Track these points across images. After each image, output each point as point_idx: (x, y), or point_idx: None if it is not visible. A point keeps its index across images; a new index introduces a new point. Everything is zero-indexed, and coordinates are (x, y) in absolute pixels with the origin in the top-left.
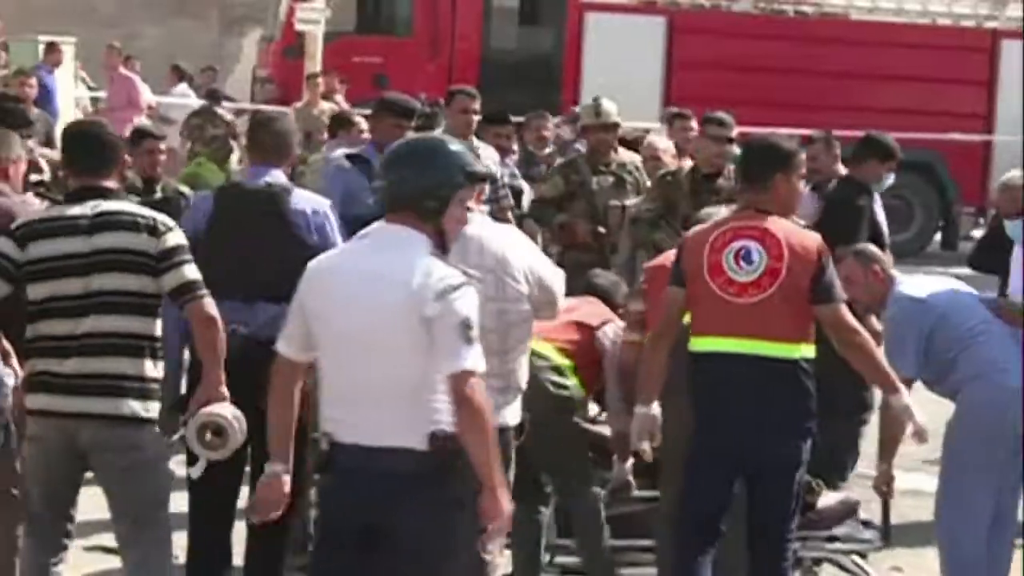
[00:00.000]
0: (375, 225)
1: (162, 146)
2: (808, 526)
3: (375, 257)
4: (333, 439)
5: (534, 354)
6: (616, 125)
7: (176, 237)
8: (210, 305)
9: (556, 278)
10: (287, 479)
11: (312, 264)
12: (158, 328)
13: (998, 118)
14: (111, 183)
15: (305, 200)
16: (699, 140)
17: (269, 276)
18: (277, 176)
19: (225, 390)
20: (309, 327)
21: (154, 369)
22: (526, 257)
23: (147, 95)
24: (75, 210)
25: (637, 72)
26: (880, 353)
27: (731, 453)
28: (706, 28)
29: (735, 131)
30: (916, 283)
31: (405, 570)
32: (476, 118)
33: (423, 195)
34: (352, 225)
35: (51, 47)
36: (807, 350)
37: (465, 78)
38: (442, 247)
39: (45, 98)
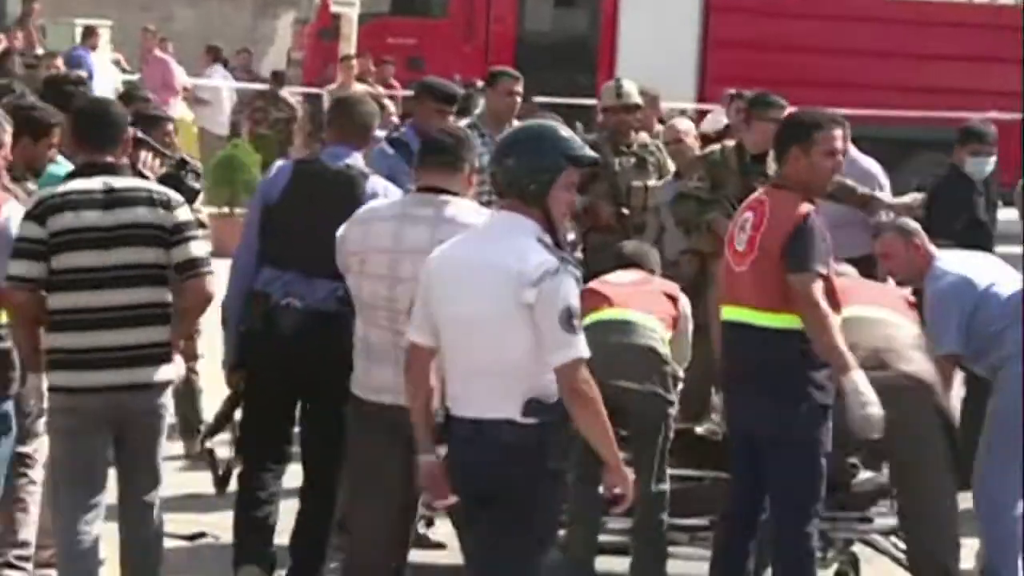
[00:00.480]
0: (492, 214)
1: (169, 127)
2: (840, 507)
3: (486, 244)
4: (449, 412)
5: (645, 327)
6: (637, 106)
7: (186, 213)
8: (211, 284)
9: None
10: (440, 463)
11: (434, 254)
12: (170, 296)
13: None
14: (116, 159)
15: (380, 187)
16: (746, 122)
17: (333, 254)
18: (356, 159)
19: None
20: (432, 314)
21: (168, 335)
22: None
23: (182, 77)
24: (86, 184)
25: (672, 52)
26: (837, 334)
27: (739, 426)
28: (742, 6)
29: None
30: (957, 259)
31: (510, 533)
32: (519, 100)
33: (526, 179)
34: None
35: (89, 30)
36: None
37: (501, 59)
38: (551, 231)
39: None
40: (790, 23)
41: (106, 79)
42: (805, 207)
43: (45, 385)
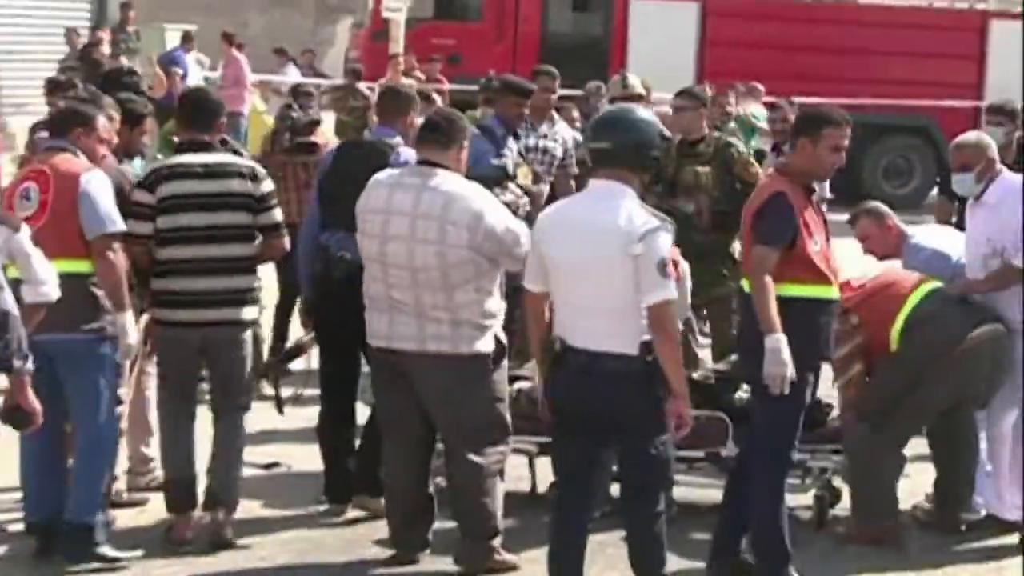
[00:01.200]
0: (591, 182)
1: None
2: (818, 440)
3: (593, 206)
4: (565, 343)
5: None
6: (640, 96)
7: (269, 184)
8: (286, 243)
9: (509, 233)
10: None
11: (543, 215)
12: (252, 251)
13: (987, 87)
14: (212, 138)
15: (408, 155)
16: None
17: None
18: (390, 135)
19: None
20: (544, 264)
21: (256, 281)
22: (475, 209)
23: (251, 75)
24: (188, 159)
25: (674, 51)
26: (770, 300)
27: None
28: (734, 12)
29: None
30: (929, 234)
31: (629, 444)
32: (555, 97)
33: (643, 152)
34: (475, 181)
35: (186, 36)
36: (789, 289)
37: (527, 57)
38: (642, 196)
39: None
40: (775, 26)
41: (197, 76)
42: (779, 186)
43: (131, 324)
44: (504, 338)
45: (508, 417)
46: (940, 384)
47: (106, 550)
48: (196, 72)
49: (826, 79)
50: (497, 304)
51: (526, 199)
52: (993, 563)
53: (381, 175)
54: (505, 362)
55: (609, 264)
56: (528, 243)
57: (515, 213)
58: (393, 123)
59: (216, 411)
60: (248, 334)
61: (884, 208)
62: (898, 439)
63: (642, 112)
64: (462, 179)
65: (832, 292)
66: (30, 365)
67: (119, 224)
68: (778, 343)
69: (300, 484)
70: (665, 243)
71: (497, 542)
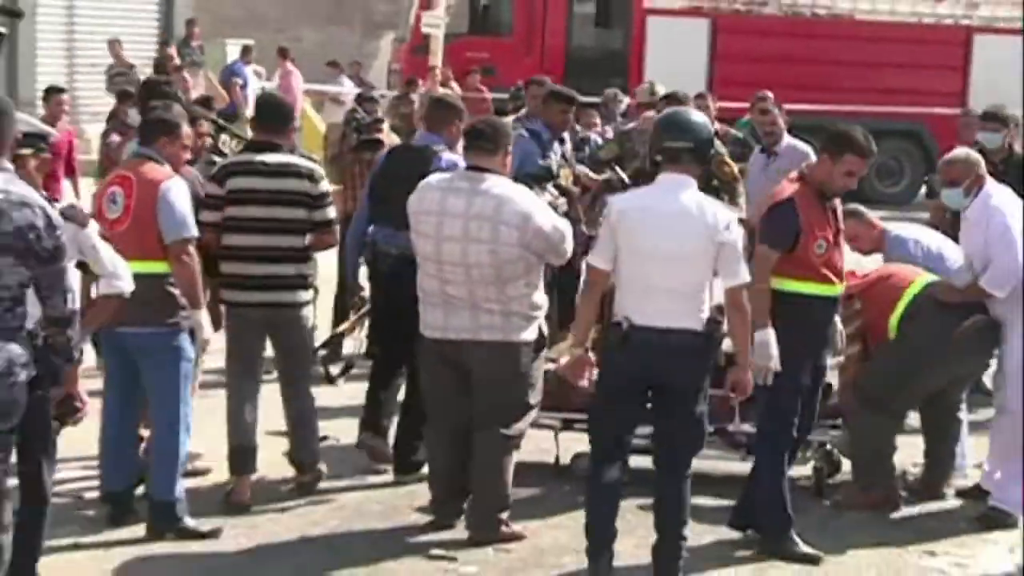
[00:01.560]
0: (661, 176)
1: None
2: (821, 416)
3: (670, 196)
4: (632, 322)
5: None
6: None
7: (325, 185)
8: (335, 237)
9: (556, 231)
10: (589, 356)
11: (619, 204)
12: (305, 243)
13: (971, 95)
14: (282, 141)
15: (449, 159)
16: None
17: None
18: (436, 142)
19: None
20: (617, 247)
21: (309, 269)
22: (524, 210)
23: (304, 84)
24: (257, 157)
25: (687, 63)
26: (764, 297)
27: None
28: (741, 28)
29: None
30: (905, 228)
31: (680, 411)
32: (570, 116)
33: (705, 150)
34: (522, 180)
35: (245, 49)
36: (789, 284)
37: (553, 68)
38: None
39: (242, 87)
40: (779, 40)
41: (255, 86)
42: (791, 192)
43: (206, 320)
44: (546, 329)
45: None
46: (934, 368)
47: (187, 522)
48: (254, 83)
49: (826, 89)
50: (542, 297)
51: (563, 199)
52: (984, 533)
53: (432, 179)
54: (544, 350)
55: (696, 251)
56: (571, 241)
57: (557, 211)
58: (439, 130)
59: (287, 384)
60: (306, 312)
61: (864, 209)
62: (894, 416)
63: (700, 116)
64: (509, 182)
65: (830, 291)
66: (81, 359)
67: (193, 230)
68: (767, 337)
69: (347, 456)
70: (739, 232)
71: (505, 515)
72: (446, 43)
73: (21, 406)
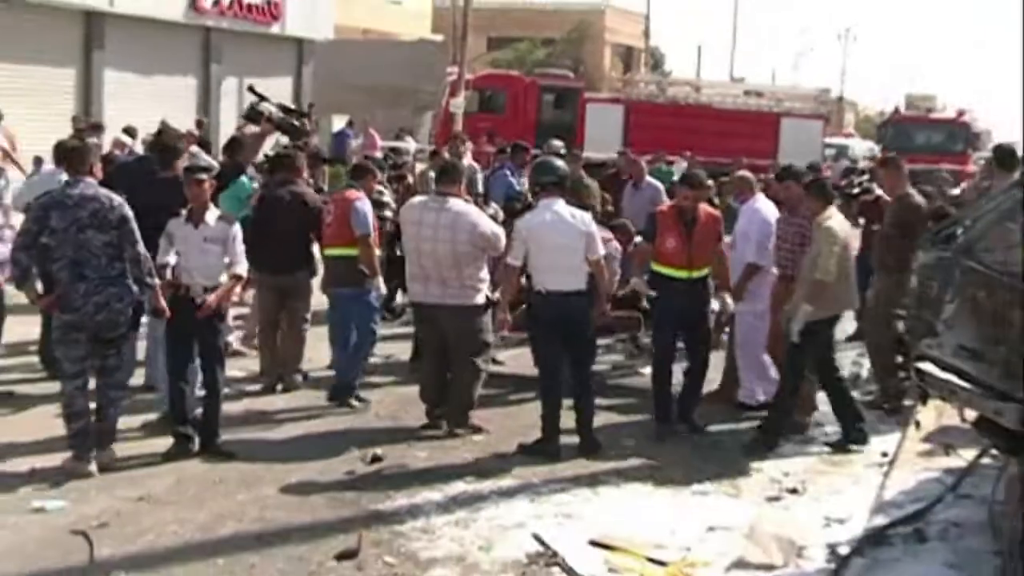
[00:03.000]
0: (541, 200)
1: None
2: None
3: (549, 211)
4: (547, 289)
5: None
6: (561, 155)
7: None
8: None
9: (494, 235)
10: (508, 317)
11: (523, 224)
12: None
13: (780, 153)
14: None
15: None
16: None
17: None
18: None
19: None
20: (528, 248)
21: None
22: (473, 221)
23: (380, 142)
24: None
25: (611, 131)
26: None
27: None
28: (644, 110)
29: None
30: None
31: (579, 339)
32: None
33: (563, 182)
34: (510, 198)
35: (350, 122)
36: (656, 267)
37: (530, 135)
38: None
39: (341, 144)
40: (666, 118)
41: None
42: (663, 208)
43: (381, 283)
44: (492, 295)
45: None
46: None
47: (354, 401)
48: (354, 141)
49: (696, 147)
50: (486, 275)
51: (502, 214)
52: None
53: (415, 199)
54: (490, 311)
55: (575, 241)
56: (504, 240)
57: (495, 220)
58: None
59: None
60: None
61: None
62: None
63: (560, 161)
64: (463, 202)
65: (673, 272)
66: (157, 281)
67: (371, 229)
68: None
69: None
70: (594, 226)
71: (472, 413)
72: (464, 118)
73: (122, 323)
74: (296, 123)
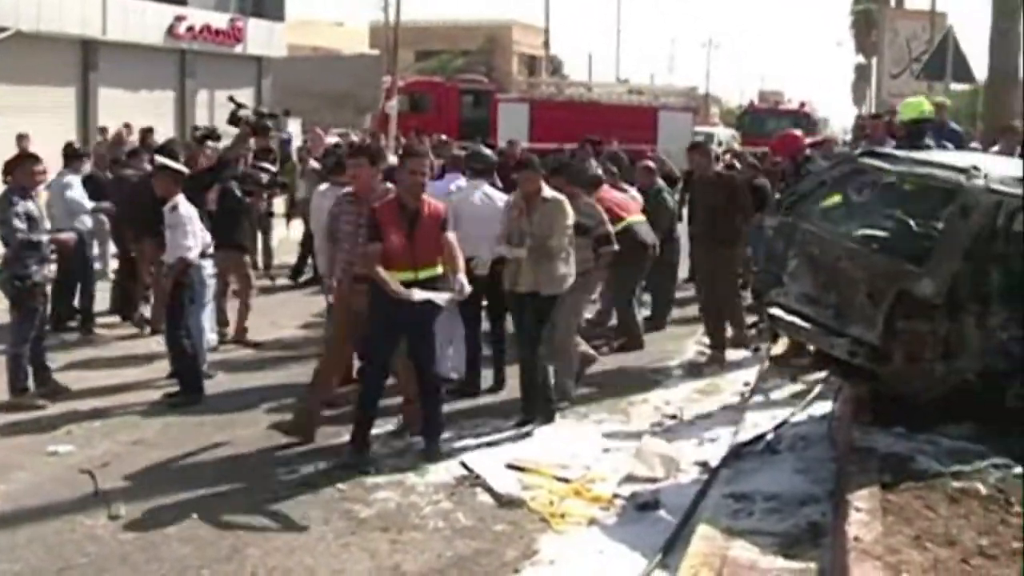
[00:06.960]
0: (470, 182)
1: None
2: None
3: (478, 191)
4: (481, 257)
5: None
6: (491, 147)
7: None
8: None
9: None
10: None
11: (456, 200)
12: None
13: (659, 140)
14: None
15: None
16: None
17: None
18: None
19: None
20: (458, 220)
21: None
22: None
23: (327, 140)
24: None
25: (517, 125)
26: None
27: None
28: (546, 107)
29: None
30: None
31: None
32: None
33: (487, 169)
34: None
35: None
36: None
37: (452, 132)
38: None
39: (288, 145)
40: (563, 113)
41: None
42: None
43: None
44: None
45: None
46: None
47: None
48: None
49: (585, 136)
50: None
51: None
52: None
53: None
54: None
55: (495, 214)
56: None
57: None
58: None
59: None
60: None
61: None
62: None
63: (488, 150)
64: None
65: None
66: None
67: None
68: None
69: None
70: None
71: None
72: (398, 117)
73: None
74: (268, 124)
